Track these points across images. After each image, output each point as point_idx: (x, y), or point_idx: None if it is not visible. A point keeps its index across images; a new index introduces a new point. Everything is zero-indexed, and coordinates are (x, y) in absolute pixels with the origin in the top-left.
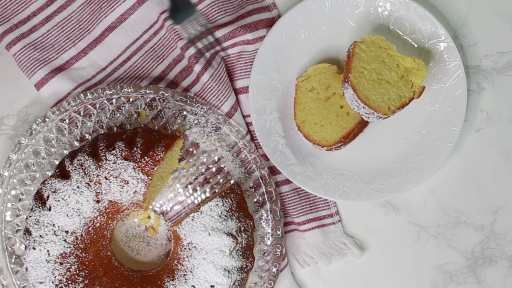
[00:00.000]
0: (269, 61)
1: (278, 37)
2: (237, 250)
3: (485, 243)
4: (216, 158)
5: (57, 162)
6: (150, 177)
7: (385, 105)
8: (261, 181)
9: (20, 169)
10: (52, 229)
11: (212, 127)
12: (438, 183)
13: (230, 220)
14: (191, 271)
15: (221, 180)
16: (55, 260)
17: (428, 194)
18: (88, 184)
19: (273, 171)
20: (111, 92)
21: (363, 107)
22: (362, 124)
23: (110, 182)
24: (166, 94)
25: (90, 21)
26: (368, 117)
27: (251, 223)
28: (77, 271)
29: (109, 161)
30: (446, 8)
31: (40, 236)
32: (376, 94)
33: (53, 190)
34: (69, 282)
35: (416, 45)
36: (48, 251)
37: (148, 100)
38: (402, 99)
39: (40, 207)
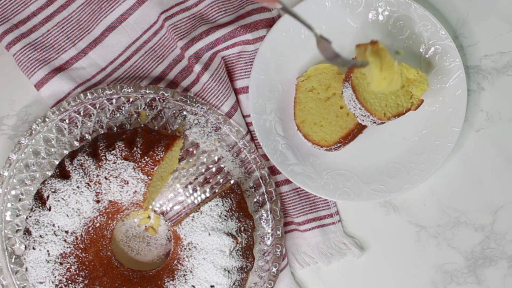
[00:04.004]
0: (269, 61)
1: (278, 37)
2: (237, 250)
3: (485, 243)
4: (216, 158)
5: (57, 162)
6: (150, 177)
7: (381, 110)
8: (261, 181)
9: (20, 169)
10: (52, 229)
11: (212, 127)
12: (438, 183)
13: (230, 220)
14: (191, 271)
15: (221, 180)
16: (55, 260)
17: (428, 194)
18: (88, 184)
19: (273, 171)
20: (111, 92)
21: (359, 108)
22: (362, 125)
23: (110, 182)
24: (166, 94)
25: (90, 21)
26: (363, 120)
27: (251, 223)
28: (77, 271)
29: (109, 161)
30: (446, 8)
31: (40, 236)
32: (374, 98)
33: (53, 190)
34: (69, 282)
35: (416, 46)
36: (48, 251)
37: (148, 100)
38: (399, 108)
39: (40, 207)
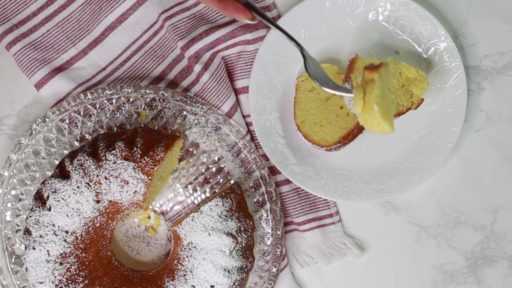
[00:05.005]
0: (269, 61)
1: (278, 37)
2: (237, 250)
3: (485, 243)
4: (216, 158)
5: (57, 162)
6: (150, 177)
7: None
8: (261, 181)
9: (20, 169)
10: (52, 229)
11: (212, 127)
12: (438, 183)
13: (230, 220)
14: (191, 271)
15: (221, 180)
16: (55, 260)
17: (428, 194)
18: (88, 184)
19: (273, 171)
20: (111, 92)
21: None
22: (362, 125)
23: (110, 182)
24: (166, 94)
25: (90, 21)
26: None
27: (251, 223)
28: (77, 271)
29: (109, 161)
30: (446, 8)
31: (40, 236)
32: None
33: (53, 190)
34: (69, 282)
35: (416, 45)
36: (48, 251)
37: (148, 100)
38: (399, 107)
39: (40, 207)
